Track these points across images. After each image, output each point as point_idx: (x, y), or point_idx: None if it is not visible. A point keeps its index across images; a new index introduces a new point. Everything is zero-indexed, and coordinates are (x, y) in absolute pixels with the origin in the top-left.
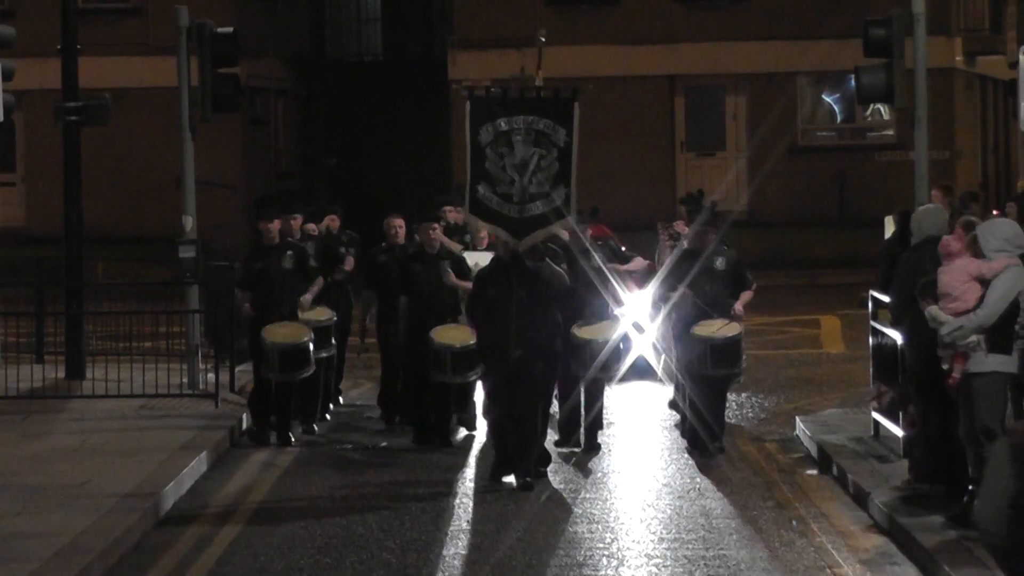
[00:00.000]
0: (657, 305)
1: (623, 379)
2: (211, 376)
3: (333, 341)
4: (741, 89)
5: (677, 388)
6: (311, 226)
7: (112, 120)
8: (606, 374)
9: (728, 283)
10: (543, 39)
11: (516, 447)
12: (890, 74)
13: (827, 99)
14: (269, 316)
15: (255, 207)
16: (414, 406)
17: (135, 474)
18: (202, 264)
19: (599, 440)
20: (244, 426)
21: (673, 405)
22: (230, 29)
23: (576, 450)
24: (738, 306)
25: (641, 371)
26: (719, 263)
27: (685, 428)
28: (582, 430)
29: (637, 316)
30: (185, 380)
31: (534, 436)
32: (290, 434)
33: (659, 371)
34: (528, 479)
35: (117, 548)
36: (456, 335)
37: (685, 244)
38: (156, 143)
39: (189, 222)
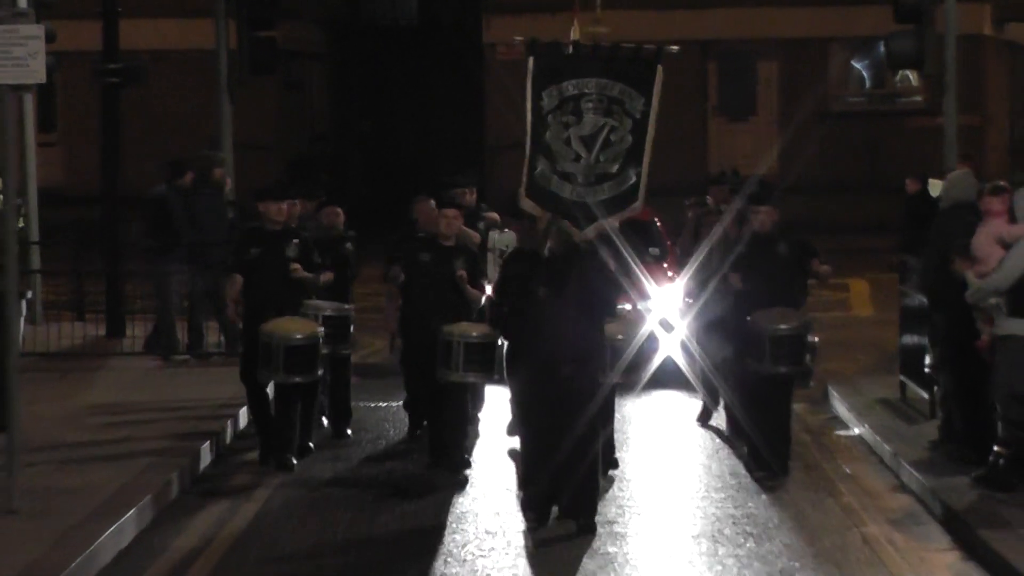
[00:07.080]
0: (692, 296)
1: (646, 387)
2: None
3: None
4: (773, 55)
5: (713, 397)
6: (337, 210)
7: (148, 82)
8: (632, 378)
9: (796, 270)
10: None
11: (571, 481)
12: (920, 40)
13: (856, 65)
14: (262, 312)
15: (287, 170)
16: (427, 419)
17: (169, 434)
18: (239, 225)
19: (615, 456)
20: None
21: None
22: None
23: None
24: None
25: (669, 376)
26: (781, 248)
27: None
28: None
29: (665, 312)
30: (222, 339)
31: (594, 467)
32: (292, 457)
33: (691, 378)
34: (590, 520)
35: (156, 504)
36: (472, 327)
37: (726, 222)
38: (192, 105)
39: (227, 183)
